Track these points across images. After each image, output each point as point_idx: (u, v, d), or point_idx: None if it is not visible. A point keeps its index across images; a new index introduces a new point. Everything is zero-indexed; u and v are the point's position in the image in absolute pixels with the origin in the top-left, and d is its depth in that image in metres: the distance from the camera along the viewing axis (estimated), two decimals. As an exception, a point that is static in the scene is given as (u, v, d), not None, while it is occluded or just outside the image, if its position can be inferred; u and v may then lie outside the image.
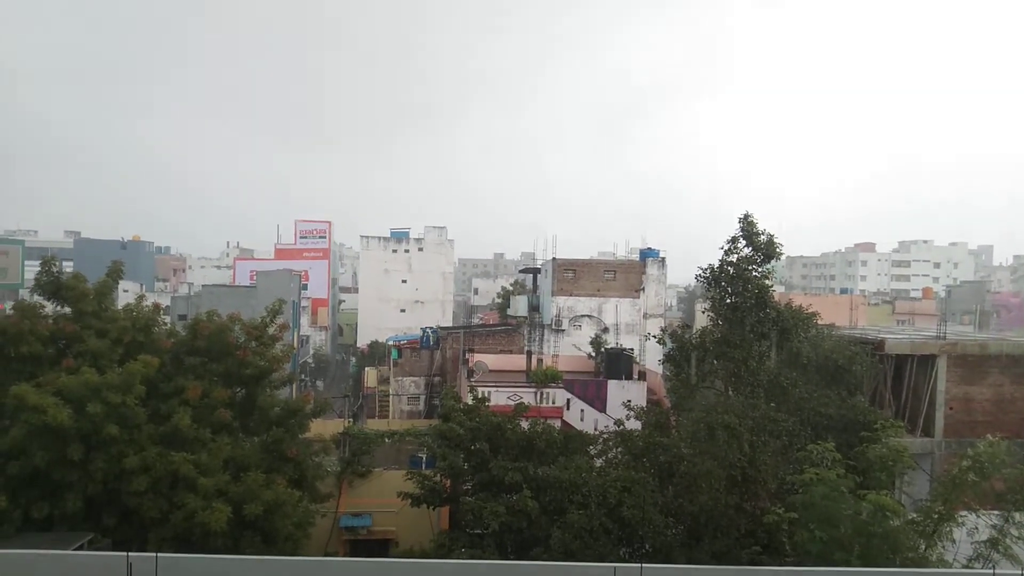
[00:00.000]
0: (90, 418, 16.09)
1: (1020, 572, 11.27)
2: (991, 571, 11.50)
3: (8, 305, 19.18)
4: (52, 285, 19.59)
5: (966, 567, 15.52)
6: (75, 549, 14.84)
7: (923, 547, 15.71)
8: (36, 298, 20.41)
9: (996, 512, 16.17)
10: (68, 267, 30.09)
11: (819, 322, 29.53)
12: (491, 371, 41.37)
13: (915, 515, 16.29)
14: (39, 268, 19.87)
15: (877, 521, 15.06)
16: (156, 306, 21.73)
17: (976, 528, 15.90)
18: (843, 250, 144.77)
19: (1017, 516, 15.63)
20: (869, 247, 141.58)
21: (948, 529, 15.72)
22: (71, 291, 19.40)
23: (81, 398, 16.20)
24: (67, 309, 19.57)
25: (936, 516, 15.72)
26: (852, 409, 24.99)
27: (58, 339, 18.87)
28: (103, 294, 19.97)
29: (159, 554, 9.98)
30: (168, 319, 26.22)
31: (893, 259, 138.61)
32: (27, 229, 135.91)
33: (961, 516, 15.85)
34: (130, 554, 9.71)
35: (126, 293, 36.96)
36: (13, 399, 16.00)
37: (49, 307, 19.88)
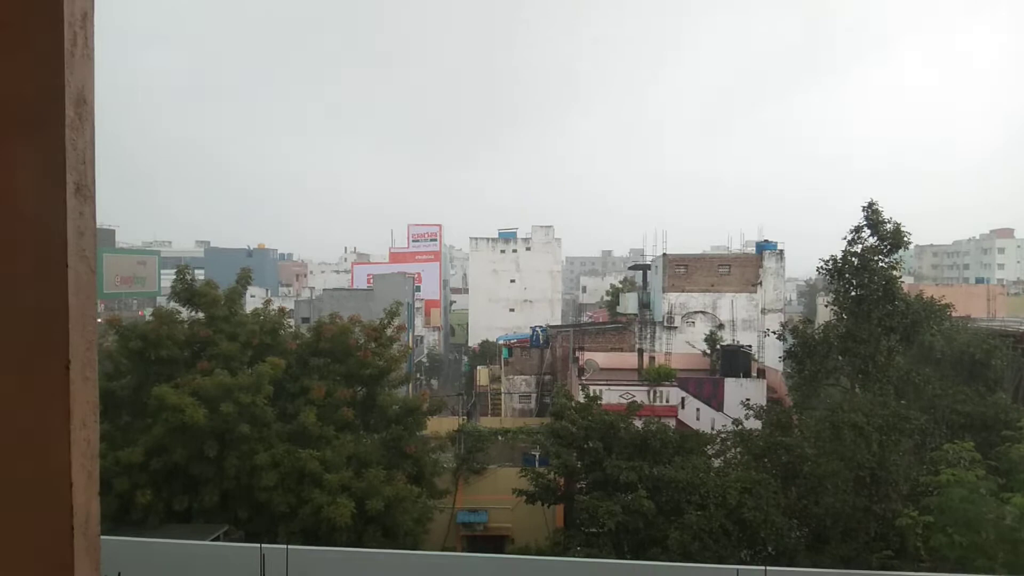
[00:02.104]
0: (223, 417, 17.02)
1: None
2: None
3: (148, 312, 20.58)
4: (187, 292, 20.83)
5: None
6: (212, 540, 15.72)
7: (1079, 556, 14.52)
8: (172, 305, 21.78)
9: None
10: (200, 275, 31.96)
11: (953, 314, 27.77)
12: (602, 369, 41.11)
13: (1069, 522, 15.08)
14: (174, 277, 21.17)
15: (1024, 527, 14.04)
16: (282, 310, 22.82)
17: None
18: (977, 237, 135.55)
19: None
20: (1007, 233, 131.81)
21: (1106, 537, 14.47)
22: (204, 298, 20.58)
23: (215, 398, 17.17)
24: (200, 314, 20.76)
25: (1093, 523, 14.50)
26: (992, 406, 23.39)
27: (193, 343, 20.05)
28: (233, 300, 21.10)
29: (289, 546, 10.45)
30: (292, 322, 27.41)
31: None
32: (162, 240, 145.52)
33: (1123, 522, 14.55)
34: (263, 545, 10.21)
35: (253, 298, 38.93)
36: (154, 399, 17.12)
37: (184, 313, 21.16)
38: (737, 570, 10.21)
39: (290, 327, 23.14)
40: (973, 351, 26.96)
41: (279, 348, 20.48)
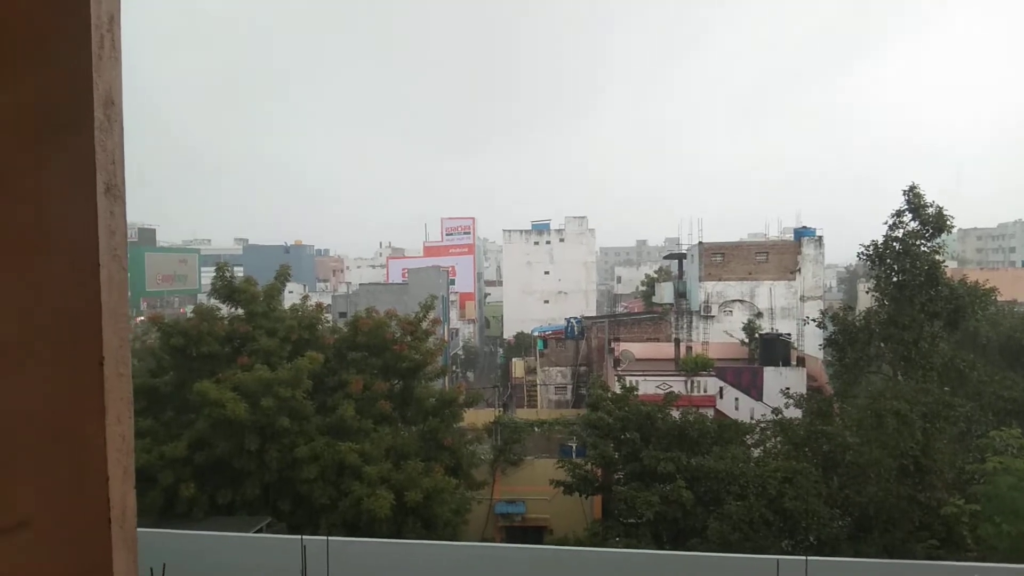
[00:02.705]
0: (264, 411, 17.29)
1: None
2: None
3: (189, 309, 20.96)
4: (226, 289, 21.16)
5: None
6: (255, 532, 15.99)
7: None
8: (212, 302, 22.14)
9: None
10: (239, 272, 32.47)
11: (998, 299, 27.11)
12: (638, 360, 40.91)
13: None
14: (214, 274, 21.52)
15: (1076, 515, 13.69)
16: (319, 305, 23.09)
17: None
18: (1023, 219, 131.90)
19: None
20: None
21: None
22: (243, 294, 20.90)
23: (255, 393, 17.44)
24: (240, 311, 21.09)
25: None
26: (1040, 392, 22.86)
27: (233, 338, 20.37)
28: (272, 296, 21.39)
29: (330, 537, 10.59)
30: (330, 317, 27.73)
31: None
32: (202, 238, 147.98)
33: None
34: (304, 537, 10.36)
35: (291, 294, 39.42)
36: (197, 395, 17.45)
37: (224, 309, 21.50)
38: (778, 560, 10.11)
39: (327, 322, 23.42)
40: (1020, 336, 26.30)
41: (317, 343, 20.73)
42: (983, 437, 16.69)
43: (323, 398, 19.54)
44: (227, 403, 16.91)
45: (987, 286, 23.54)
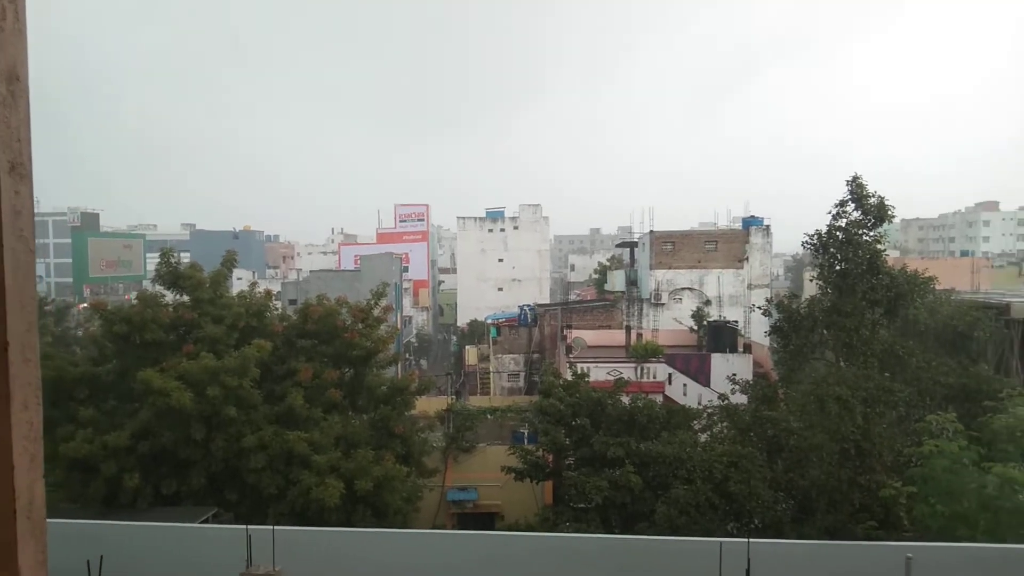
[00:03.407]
0: (210, 400, 17.00)
1: None
2: None
3: (133, 296, 20.44)
4: (171, 275, 20.70)
5: (1108, 544, 14.48)
6: (200, 522, 15.75)
7: (1058, 523, 14.75)
8: (157, 288, 21.64)
9: None
10: (185, 258, 31.72)
11: (937, 287, 27.98)
12: (590, 347, 41.23)
13: (1049, 489, 15.31)
14: (158, 259, 21.02)
15: (1005, 495, 14.23)
16: (268, 292, 22.73)
17: (1119, 503, 14.81)
18: (963, 210, 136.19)
19: None
20: (992, 206, 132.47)
21: (1085, 504, 14.70)
22: (189, 280, 20.47)
23: (201, 381, 17.13)
24: (186, 297, 20.66)
25: (1072, 490, 14.72)
26: (975, 378, 23.62)
27: (178, 326, 19.96)
28: (218, 282, 20.99)
29: (275, 527, 10.47)
30: (279, 304, 27.33)
31: (1019, 217, 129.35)
32: (147, 223, 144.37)
33: (1102, 490, 14.79)
34: (249, 527, 10.22)
35: (239, 281, 38.72)
36: (140, 383, 17.08)
37: (169, 296, 21.04)
38: (721, 543, 10.31)
39: (276, 309, 23.08)
40: (956, 323, 27.19)
41: (265, 330, 20.43)
42: (920, 421, 17.19)
43: (271, 387, 19.29)
44: (172, 392, 16.60)
45: (926, 275, 24.22)
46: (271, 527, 10.32)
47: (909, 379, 19.72)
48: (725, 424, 19.99)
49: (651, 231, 52.08)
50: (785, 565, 11.42)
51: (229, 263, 22.20)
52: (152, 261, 22.38)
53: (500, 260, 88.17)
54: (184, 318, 19.90)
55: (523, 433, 25.70)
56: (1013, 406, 16.37)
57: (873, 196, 18.51)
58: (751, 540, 9.89)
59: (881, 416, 17.76)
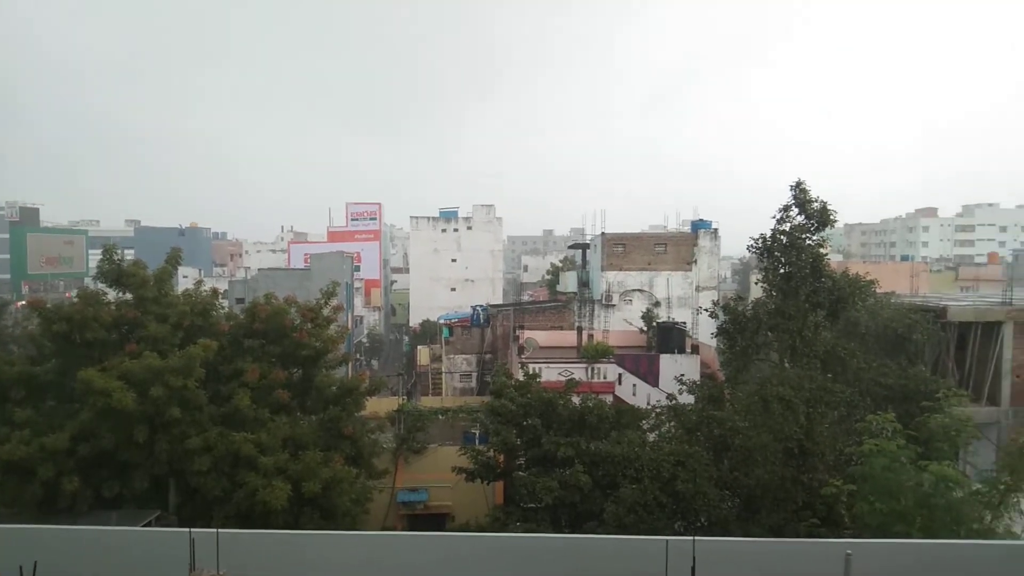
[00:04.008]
0: (153, 401, 16.62)
1: (1092, 543, 10.88)
2: (1061, 543, 11.15)
3: (74, 293, 19.85)
4: (114, 273, 20.18)
5: (1035, 539, 15.08)
6: (143, 526, 15.39)
7: (989, 518, 15.30)
8: (99, 286, 21.07)
9: (1068, 482, 15.65)
10: (130, 255, 30.93)
11: (878, 290, 28.78)
12: (542, 348, 41.39)
13: (980, 486, 15.86)
14: (101, 256, 20.47)
15: (940, 492, 14.71)
16: (214, 290, 22.28)
17: (1046, 499, 15.43)
18: (904, 216, 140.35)
19: (1089, 485, 15.11)
20: (931, 212, 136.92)
21: (1015, 500, 15.28)
22: (132, 278, 19.97)
23: (144, 382, 16.73)
24: (129, 296, 20.16)
25: (1002, 487, 15.29)
26: (913, 379, 24.37)
27: (121, 325, 19.47)
28: (163, 280, 20.52)
29: (220, 530, 10.28)
30: (226, 303, 26.85)
31: (957, 224, 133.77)
32: (90, 219, 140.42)
33: (1030, 487, 15.39)
34: (192, 530, 10.03)
35: (185, 279, 37.95)
36: (81, 383, 16.61)
37: (112, 294, 20.50)
38: (667, 541, 10.46)
39: (223, 308, 22.64)
40: (896, 326, 27.99)
41: (211, 330, 20.04)
42: (861, 421, 17.64)
43: (217, 387, 18.93)
44: (113, 392, 16.18)
45: (868, 278, 24.89)
46: (215, 530, 10.14)
47: (850, 380, 20.22)
48: (673, 424, 20.26)
49: (603, 233, 52.51)
50: (729, 563, 11.62)
51: (174, 260, 21.72)
52: (95, 258, 21.76)
53: (453, 260, 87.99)
54: (127, 317, 19.42)
55: (474, 434, 25.70)
56: (948, 406, 16.91)
57: (816, 201, 18.96)
58: (696, 538, 10.06)
59: (823, 416, 18.20)
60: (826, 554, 12.08)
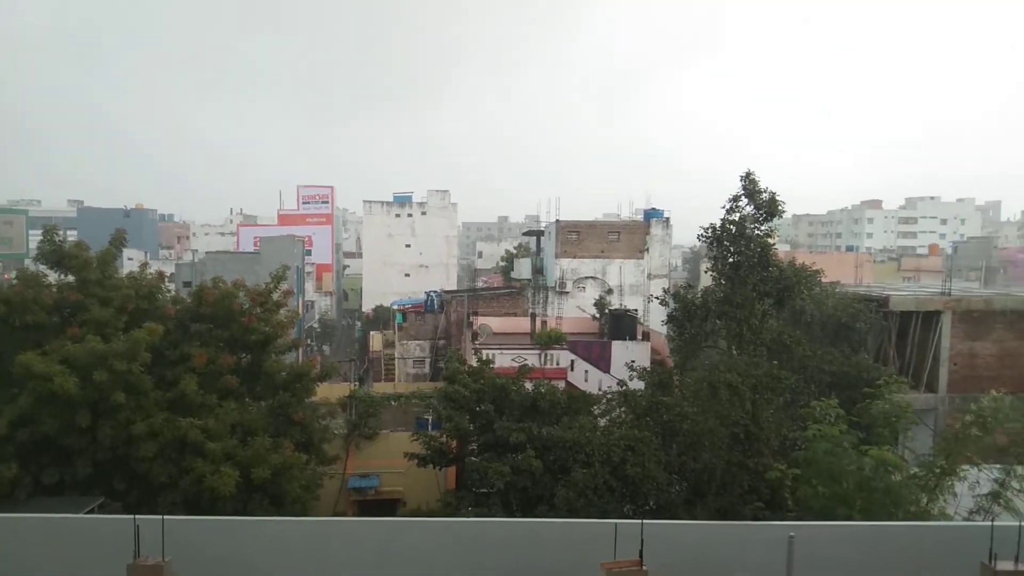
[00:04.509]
0: (96, 386, 16.23)
1: (1020, 524, 11.34)
2: (990, 524, 11.60)
3: (12, 275, 19.19)
4: (55, 254, 19.60)
5: (967, 520, 15.68)
6: (86, 513, 15.05)
7: (925, 501, 15.85)
8: (40, 267, 20.44)
9: (998, 466, 16.29)
10: (72, 236, 30.08)
11: (823, 280, 29.42)
12: (495, 334, 41.46)
13: (917, 470, 16.42)
14: (41, 237, 19.86)
15: (879, 476, 15.18)
16: (160, 273, 21.79)
17: (977, 482, 16.03)
18: (850, 208, 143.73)
19: (1019, 469, 15.75)
20: (876, 204, 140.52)
21: (950, 483, 15.85)
22: (74, 260, 19.42)
23: (87, 366, 16.32)
24: (71, 278, 19.60)
25: (938, 471, 15.84)
26: (855, 366, 25.04)
27: (62, 308, 18.95)
28: (106, 262, 19.99)
29: (165, 516, 10.11)
30: (173, 286, 26.24)
31: (900, 216, 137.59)
32: (30, 199, 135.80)
33: (963, 470, 15.97)
34: (137, 516, 9.84)
35: (131, 261, 36.91)
36: (19, 368, 16.13)
37: (53, 276, 19.91)
38: (616, 524, 10.61)
39: (170, 291, 22.13)
40: (840, 315, 28.69)
41: (157, 313, 19.60)
42: (805, 407, 18.06)
43: (163, 372, 18.54)
44: (54, 377, 15.76)
45: (814, 268, 25.42)
46: (160, 516, 9.96)
47: (795, 367, 20.67)
48: (623, 409, 20.49)
49: (557, 220, 52.72)
50: (676, 545, 11.84)
51: (118, 242, 21.17)
52: (35, 239, 21.11)
53: (407, 245, 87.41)
54: (69, 299, 18.88)
55: (427, 419, 25.65)
56: (889, 393, 17.42)
57: (765, 192, 19.27)
58: (644, 522, 10.22)
59: (769, 402, 18.62)
60: (770, 537, 12.39)
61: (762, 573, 11.94)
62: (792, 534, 11.17)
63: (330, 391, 25.95)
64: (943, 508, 16.05)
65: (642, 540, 9.76)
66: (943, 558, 12.35)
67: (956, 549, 12.20)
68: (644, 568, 9.57)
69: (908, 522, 14.69)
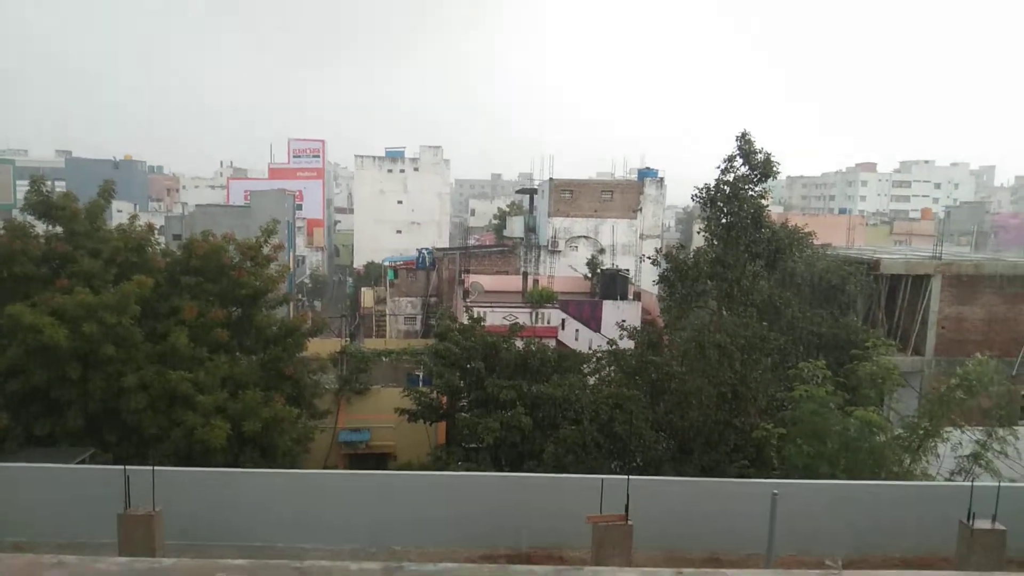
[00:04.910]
0: (86, 338, 16.19)
1: (998, 484, 11.55)
2: (970, 484, 11.82)
3: (0, 225, 19.01)
4: (43, 205, 19.39)
5: (948, 480, 15.97)
6: (77, 464, 15.13)
7: (908, 461, 16.11)
8: (27, 218, 20.24)
9: (980, 428, 16.54)
10: (60, 187, 29.67)
11: (815, 242, 29.46)
12: (487, 292, 41.50)
13: (901, 431, 16.65)
14: (28, 187, 19.62)
15: (864, 436, 15.40)
16: (149, 226, 21.60)
17: (960, 443, 16.30)
18: (843, 170, 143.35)
19: (1000, 431, 16.00)
20: (870, 167, 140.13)
21: (933, 444, 16.10)
22: (62, 211, 19.22)
23: (77, 318, 16.26)
24: (59, 229, 19.43)
25: (922, 432, 16.07)
26: (844, 328, 25.19)
27: (51, 259, 18.81)
28: (95, 214, 19.80)
29: (156, 467, 10.19)
30: (162, 239, 26.06)
31: (893, 179, 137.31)
32: (17, 148, 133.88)
33: (946, 432, 16.21)
34: (127, 467, 9.91)
35: (120, 213, 36.63)
36: (8, 319, 16.07)
37: (41, 227, 19.73)
38: (603, 480, 10.75)
39: (159, 244, 21.98)
40: (830, 277, 28.74)
41: (147, 266, 19.47)
42: (793, 368, 18.21)
43: (153, 325, 18.50)
44: (44, 328, 15.72)
45: (806, 230, 25.42)
46: (151, 467, 10.04)
47: (785, 328, 20.81)
48: (613, 368, 20.63)
49: (550, 179, 52.41)
50: (661, 501, 12.02)
51: (107, 193, 20.94)
52: (22, 190, 20.84)
53: (399, 202, 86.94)
54: (57, 250, 18.74)
55: (418, 376, 25.77)
56: (876, 355, 17.57)
57: (760, 152, 19.17)
58: (630, 477, 10.35)
59: (757, 363, 18.76)
60: (754, 493, 12.60)
61: (746, 529, 12.16)
62: (776, 491, 11.35)
63: (321, 346, 25.99)
64: (925, 469, 16.33)
65: (628, 495, 9.91)
66: (923, 517, 12.59)
67: (936, 508, 12.43)
68: (629, 522, 9.73)
69: (890, 482, 14.95)
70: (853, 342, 21.82)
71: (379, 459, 24.55)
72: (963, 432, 16.37)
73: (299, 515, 12.07)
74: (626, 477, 10.44)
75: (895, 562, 12.35)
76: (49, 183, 20.38)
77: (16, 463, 13.82)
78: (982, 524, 10.46)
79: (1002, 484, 11.87)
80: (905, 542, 12.68)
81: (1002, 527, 10.44)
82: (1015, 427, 16.38)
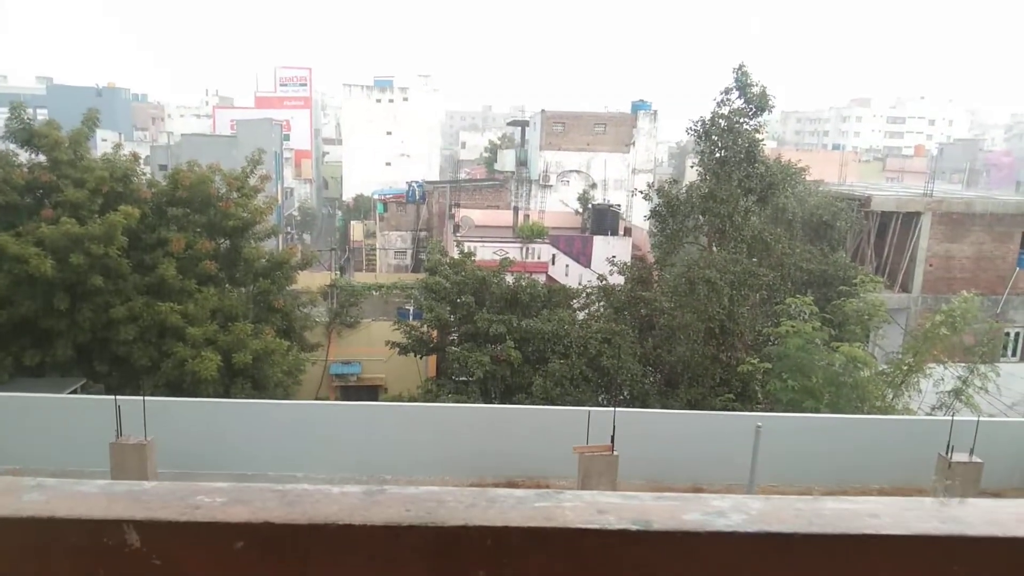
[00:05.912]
0: (73, 269, 16.08)
1: (977, 419, 11.78)
2: (950, 419, 12.05)
3: (-19, 153, 18.63)
4: (24, 132, 18.99)
5: (928, 415, 16.29)
6: (68, 393, 15.22)
7: (891, 396, 16.41)
8: (9, 146, 19.85)
9: (963, 364, 16.80)
10: (42, 115, 29.06)
11: (807, 178, 29.33)
12: (477, 226, 41.32)
13: (885, 366, 16.91)
14: (8, 114, 19.17)
15: (848, 372, 15.63)
16: (135, 155, 21.26)
17: (942, 379, 16.58)
18: (838, 106, 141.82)
19: (981, 368, 16.26)
20: (865, 102, 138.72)
21: (916, 380, 16.37)
22: (45, 139, 18.84)
23: (63, 248, 16.12)
24: (42, 158, 19.08)
25: (905, 368, 16.33)
26: (833, 264, 25.30)
27: (35, 188, 18.53)
28: (78, 142, 19.43)
29: (147, 397, 10.25)
30: (148, 169, 25.63)
31: (888, 115, 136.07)
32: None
33: (929, 368, 16.47)
34: (118, 397, 9.97)
35: (104, 143, 35.76)
36: (-7, 249, 15.91)
37: (23, 156, 19.37)
38: (589, 411, 10.91)
39: (145, 175, 21.65)
40: (821, 213, 28.73)
41: (132, 196, 19.20)
42: (780, 304, 18.37)
43: (140, 256, 18.35)
44: (30, 259, 15.59)
45: (799, 166, 25.28)
46: (142, 397, 10.10)
47: (774, 264, 20.89)
48: (602, 303, 20.74)
49: (542, 111, 51.63)
50: (647, 432, 12.22)
51: (91, 122, 20.51)
52: (2, 117, 20.34)
53: (388, 133, 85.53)
54: (41, 180, 18.43)
55: (408, 310, 25.85)
56: (864, 291, 17.69)
57: (756, 85, 18.91)
58: (617, 409, 10.49)
59: (745, 298, 18.89)
60: (738, 426, 12.82)
61: (729, 460, 12.42)
62: (759, 424, 11.55)
63: (311, 280, 25.97)
64: (907, 404, 16.64)
65: (614, 427, 10.07)
66: (903, 449, 12.87)
67: (916, 441, 12.70)
68: (615, 453, 9.90)
69: (872, 415, 15.24)
70: (841, 278, 21.96)
71: (370, 391, 24.81)
72: (946, 368, 16.63)
73: (290, 446, 12.24)
74: (612, 409, 10.59)
75: (872, 492, 12.69)
76: (30, 110, 19.92)
77: (7, 392, 13.89)
78: (960, 457, 10.72)
79: (981, 419, 12.12)
80: (885, 475, 12.99)
81: (979, 460, 10.70)
82: (996, 364, 16.66)
